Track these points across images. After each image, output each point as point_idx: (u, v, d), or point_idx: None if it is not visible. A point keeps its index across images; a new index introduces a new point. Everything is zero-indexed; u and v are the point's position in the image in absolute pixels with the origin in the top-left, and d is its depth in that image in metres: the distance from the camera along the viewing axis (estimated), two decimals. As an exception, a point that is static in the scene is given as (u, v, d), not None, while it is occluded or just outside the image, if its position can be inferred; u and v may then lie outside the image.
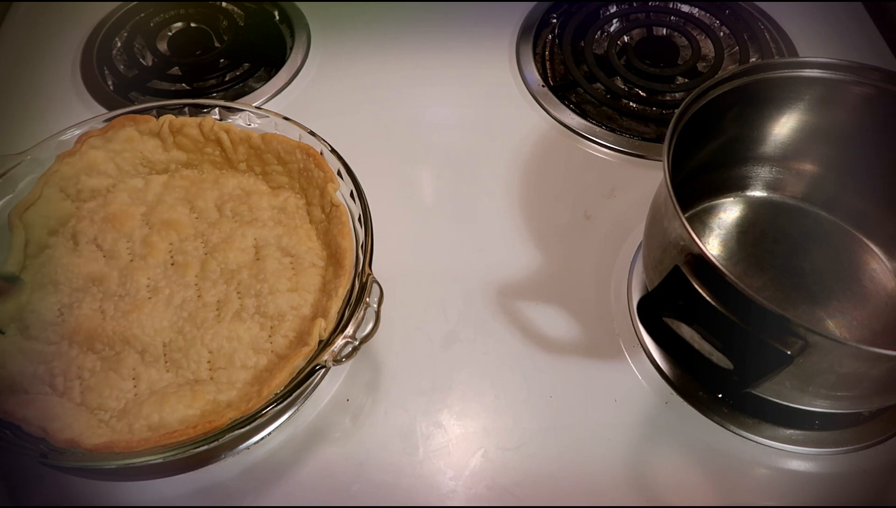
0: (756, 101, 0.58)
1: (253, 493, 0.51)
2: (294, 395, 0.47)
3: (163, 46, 0.82)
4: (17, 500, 0.51)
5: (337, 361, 0.47)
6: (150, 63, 0.80)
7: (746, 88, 0.56)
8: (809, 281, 0.60)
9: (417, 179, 0.71)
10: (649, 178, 0.68)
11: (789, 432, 0.54)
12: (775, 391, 0.49)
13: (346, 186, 0.56)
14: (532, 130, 0.74)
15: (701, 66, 0.80)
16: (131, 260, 0.55)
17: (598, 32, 0.84)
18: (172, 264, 0.55)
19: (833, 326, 0.57)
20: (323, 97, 0.77)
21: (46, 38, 0.82)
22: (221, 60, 0.81)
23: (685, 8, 0.86)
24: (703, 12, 0.85)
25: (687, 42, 0.82)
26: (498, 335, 0.59)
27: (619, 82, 0.78)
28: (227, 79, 0.79)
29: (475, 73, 0.79)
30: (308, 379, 0.47)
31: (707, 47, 0.82)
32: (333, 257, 0.54)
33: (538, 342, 0.59)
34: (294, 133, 0.59)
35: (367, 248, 0.52)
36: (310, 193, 0.58)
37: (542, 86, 0.78)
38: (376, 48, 0.81)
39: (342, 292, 0.51)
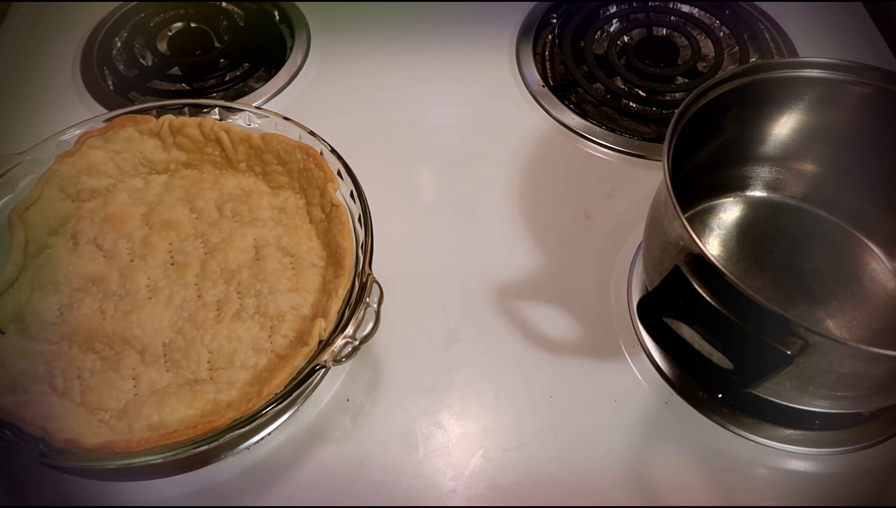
0: (756, 101, 0.58)
1: (253, 493, 0.51)
2: (294, 395, 0.47)
3: (163, 46, 0.82)
4: (17, 500, 0.51)
5: (337, 361, 0.47)
6: (150, 63, 0.80)
7: (746, 88, 0.56)
8: (809, 281, 0.60)
9: (417, 178, 0.71)
10: (649, 178, 0.68)
11: (789, 432, 0.54)
12: (775, 391, 0.49)
13: (346, 186, 0.56)
14: (532, 130, 0.74)
15: (701, 66, 0.80)
16: (131, 260, 0.55)
17: (598, 32, 0.84)
18: (172, 265, 0.55)
19: (833, 326, 0.57)
20: (323, 97, 0.77)
21: (46, 38, 0.82)
22: (221, 60, 0.81)
23: (685, 8, 0.86)
24: (703, 12, 0.85)
25: (687, 42, 0.82)
26: (498, 335, 0.59)
27: (619, 82, 0.78)
28: (227, 79, 0.79)
29: (475, 73, 0.79)
30: (308, 379, 0.47)
31: (707, 47, 0.82)
32: (333, 257, 0.54)
33: (538, 342, 0.59)
34: (294, 133, 0.59)
35: (367, 248, 0.52)
36: (310, 193, 0.58)
37: (542, 86, 0.78)
38: (376, 48, 0.81)
39: (342, 292, 0.51)
